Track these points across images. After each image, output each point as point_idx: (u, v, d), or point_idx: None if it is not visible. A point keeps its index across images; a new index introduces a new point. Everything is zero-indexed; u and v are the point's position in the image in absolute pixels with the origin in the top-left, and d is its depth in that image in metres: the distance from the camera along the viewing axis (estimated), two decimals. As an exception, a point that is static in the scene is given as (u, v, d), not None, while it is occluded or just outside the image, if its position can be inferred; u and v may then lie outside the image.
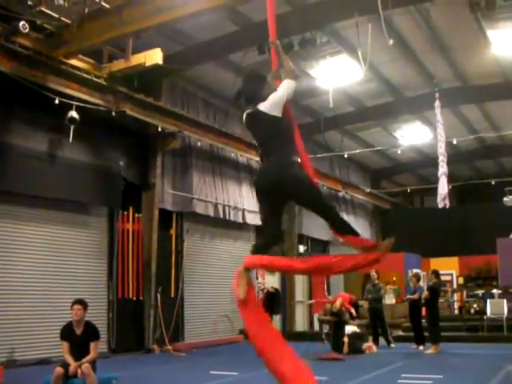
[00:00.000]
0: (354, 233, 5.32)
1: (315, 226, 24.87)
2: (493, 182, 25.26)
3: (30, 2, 11.36)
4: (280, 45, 5.66)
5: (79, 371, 8.08)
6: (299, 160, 5.37)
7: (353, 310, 16.36)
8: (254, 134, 5.46)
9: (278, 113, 5.21)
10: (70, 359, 8.24)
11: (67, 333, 8.49)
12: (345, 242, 5.46)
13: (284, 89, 5.30)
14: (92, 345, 8.46)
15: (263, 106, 5.23)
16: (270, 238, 5.47)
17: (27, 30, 11.72)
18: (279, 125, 5.24)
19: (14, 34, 11.92)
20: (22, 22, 11.51)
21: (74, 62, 13.66)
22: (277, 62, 5.54)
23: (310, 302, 19.72)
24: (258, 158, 19.37)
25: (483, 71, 18.11)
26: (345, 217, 27.35)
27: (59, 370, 8.09)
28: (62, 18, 12.15)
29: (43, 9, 11.59)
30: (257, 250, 5.45)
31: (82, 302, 8.62)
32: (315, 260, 5.58)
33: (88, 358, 8.30)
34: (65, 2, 11.02)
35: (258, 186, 5.40)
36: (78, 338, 8.40)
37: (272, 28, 5.72)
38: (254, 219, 21.12)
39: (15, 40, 12.16)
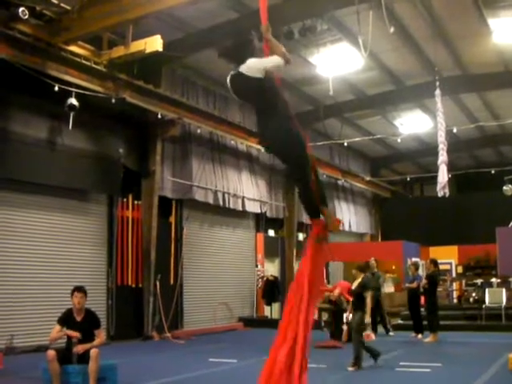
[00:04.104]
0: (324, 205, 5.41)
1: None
2: (492, 171, 25.24)
3: (30, -12, 11.32)
4: (271, 31, 5.52)
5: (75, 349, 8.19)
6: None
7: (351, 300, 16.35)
8: (240, 97, 5.43)
9: (259, 75, 5.13)
10: (60, 333, 8.35)
11: (66, 319, 8.49)
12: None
13: (269, 60, 5.24)
14: (97, 332, 8.57)
15: (242, 68, 5.18)
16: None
17: (27, 17, 11.65)
18: (262, 86, 5.16)
19: (14, 20, 11.84)
20: (21, 9, 11.45)
21: (73, 48, 13.58)
22: (269, 48, 5.46)
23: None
24: (257, 146, 19.34)
25: (484, 60, 18.07)
26: (343, 205, 27.45)
27: (51, 352, 8.11)
28: (62, 5, 12.10)
29: (43, -5, 11.56)
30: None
31: (82, 290, 8.65)
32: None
33: (96, 342, 8.41)
34: (65, -12, 10.98)
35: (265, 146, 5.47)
36: (78, 325, 8.40)
37: (264, 13, 5.65)
38: (254, 207, 21.15)
39: (14, 26, 12.07)
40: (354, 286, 11.92)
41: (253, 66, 5.15)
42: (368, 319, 12.07)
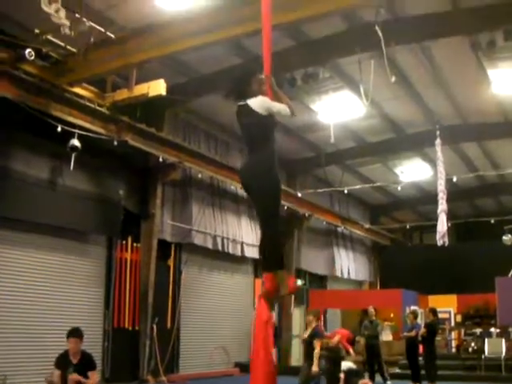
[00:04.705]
0: (276, 267, 5.44)
1: (314, 261, 24.84)
2: (492, 221, 25.21)
3: (36, 31, 11.48)
4: (274, 81, 5.55)
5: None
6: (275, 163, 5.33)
7: (351, 350, 16.15)
8: (241, 128, 5.44)
9: (263, 112, 5.20)
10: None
11: (63, 361, 8.36)
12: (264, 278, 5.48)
13: (278, 105, 5.30)
14: (90, 374, 8.37)
15: (251, 102, 5.24)
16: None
17: (33, 58, 11.81)
18: (263, 123, 5.23)
19: (20, 61, 12.01)
20: (28, 50, 11.62)
21: (77, 90, 13.72)
22: (273, 98, 5.50)
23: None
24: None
25: (484, 109, 18.24)
26: (342, 252, 27.35)
27: None
28: (68, 47, 12.25)
29: (49, 37, 11.70)
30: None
31: (77, 335, 8.46)
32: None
33: (89, 382, 8.23)
34: (71, 31, 11.11)
35: (241, 181, 5.52)
36: (74, 367, 8.28)
37: (267, 63, 5.70)
38: (253, 252, 21.05)
39: (20, 67, 12.25)
40: (306, 334, 11.72)
41: (259, 102, 5.22)
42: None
